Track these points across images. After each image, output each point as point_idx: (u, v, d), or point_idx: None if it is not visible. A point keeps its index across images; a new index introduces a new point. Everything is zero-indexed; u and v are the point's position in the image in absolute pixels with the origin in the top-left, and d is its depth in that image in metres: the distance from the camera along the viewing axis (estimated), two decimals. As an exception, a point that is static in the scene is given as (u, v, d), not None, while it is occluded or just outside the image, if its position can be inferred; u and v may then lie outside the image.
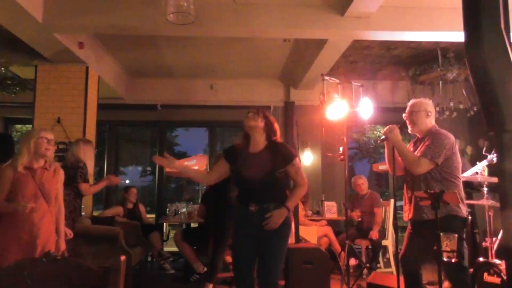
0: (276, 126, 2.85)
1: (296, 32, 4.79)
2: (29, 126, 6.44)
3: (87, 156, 3.95)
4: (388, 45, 5.76)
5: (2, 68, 5.71)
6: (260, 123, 2.77)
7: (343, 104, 4.36)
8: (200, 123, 8.76)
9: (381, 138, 3.03)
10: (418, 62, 6.23)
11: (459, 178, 2.91)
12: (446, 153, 2.82)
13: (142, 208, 6.19)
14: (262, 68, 6.75)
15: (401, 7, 4.48)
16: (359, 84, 4.66)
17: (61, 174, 3.05)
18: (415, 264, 2.93)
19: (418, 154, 2.87)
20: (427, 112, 2.98)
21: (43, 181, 2.87)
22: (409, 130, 3.08)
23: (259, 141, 2.78)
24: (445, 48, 5.73)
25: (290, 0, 4.42)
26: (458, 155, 2.94)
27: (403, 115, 3.09)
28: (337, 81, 4.51)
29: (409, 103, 3.10)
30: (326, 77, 4.47)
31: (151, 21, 4.33)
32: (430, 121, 3.00)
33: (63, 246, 2.99)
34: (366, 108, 4.57)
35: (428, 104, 3.04)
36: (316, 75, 5.88)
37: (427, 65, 6.12)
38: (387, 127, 2.97)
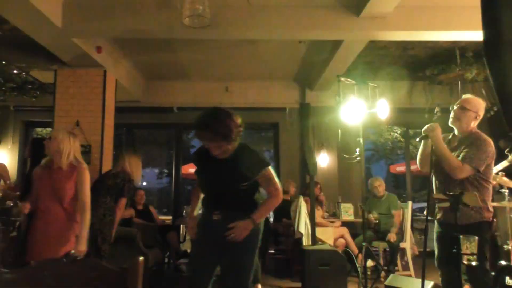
0: (235, 127, 2.37)
1: (311, 34, 4.78)
2: (49, 129, 6.56)
3: (134, 168, 4.12)
4: (405, 45, 5.69)
5: (23, 73, 5.84)
6: (222, 144, 2.38)
7: (359, 105, 4.33)
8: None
9: (421, 136, 2.88)
10: (436, 62, 6.14)
11: (491, 182, 2.84)
12: (488, 160, 2.75)
13: (152, 209, 6.25)
14: (277, 69, 6.75)
15: (418, 6, 4.43)
16: (375, 85, 4.62)
17: (83, 174, 2.98)
18: (452, 266, 2.86)
19: (461, 159, 2.74)
20: (477, 114, 2.85)
21: (55, 180, 2.92)
22: (449, 122, 2.91)
23: (226, 150, 2.41)
24: (463, 48, 5.64)
25: (305, 2, 4.41)
26: (493, 161, 2.87)
27: (454, 106, 2.90)
28: (353, 82, 4.49)
29: (463, 97, 2.92)
30: (342, 78, 4.44)
31: (167, 25, 4.38)
32: (475, 124, 2.87)
33: (82, 248, 2.87)
34: (382, 109, 4.53)
35: (482, 106, 2.88)
36: (331, 76, 5.86)
37: (445, 65, 6.03)
38: (428, 125, 2.82)
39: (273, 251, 6.03)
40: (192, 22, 3.18)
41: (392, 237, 5.14)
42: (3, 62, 5.39)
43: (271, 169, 2.51)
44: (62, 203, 2.91)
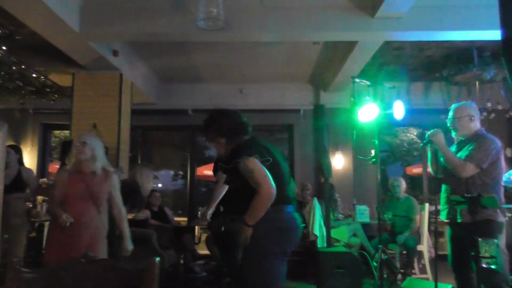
0: (234, 125, 2.36)
1: (326, 35, 4.77)
2: (67, 132, 6.68)
3: (145, 180, 4.29)
4: (421, 46, 5.63)
5: (42, 77, 5.96)
6: (220, 143, 2.38)
7: (374, 107, 4.29)
8: (230, 127, 8.81)
9: (425, 141, 3.00)
10: (452, 62, 6.05)
11: (500, 183, 2.83)
12: (492, 158, 2.77)
13: (168, 211, 6.29)
14: (292, 71, 6.74)
15: (434, 6, 4.38)
16: (391, 86, 4.58)
17: (113, 179, 3.09)
18: (464, 267, 2.85)
19: (464, 158, 2.82)
20: (470, 116, 2.93)
21: (90, 184, 2.96)
22: (453, 135, 3.04)
23: (229, 148, 2.35)
24: (481, 47, 5.55)
25: (318, 3, 4.40)
26: (502, 160, 2.86)
27: (447, 121, 3.04)
28: (368, 83, 4.45)
29: (452, 108, 3.04)
30: (357, 80, 4.41)
31: (182, 28, 4.42)
32: (475, 125, 2.94)
33: (129, 246, 3.12)
34: (398, 110, 4.48)
35: (471, 107, 2.98)
36: (346, 77, 5.82)
37: (463, 65, 5.94)
38: (432, 130, 2.95)
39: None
40: (207, 25, 3.21)
41: (401, 239, 5.10)
42: (23, 66, 5.51)
43: (252, 160, 2.10)
44: (98, 207, 2.98)
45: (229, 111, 2.45)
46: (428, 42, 5.35)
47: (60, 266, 1.27)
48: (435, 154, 2.98)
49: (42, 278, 1.24)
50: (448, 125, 3.03)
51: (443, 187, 3.04)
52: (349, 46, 5.17)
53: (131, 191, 4.02)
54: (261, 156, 2.14)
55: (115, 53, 5.26)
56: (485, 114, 5.78)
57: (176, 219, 6.92)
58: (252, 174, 2.11)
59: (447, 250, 3.00)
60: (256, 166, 2.11)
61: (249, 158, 2.10)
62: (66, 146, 4.49)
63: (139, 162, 6.71)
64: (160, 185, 13.64)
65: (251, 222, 2.11)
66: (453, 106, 3.05)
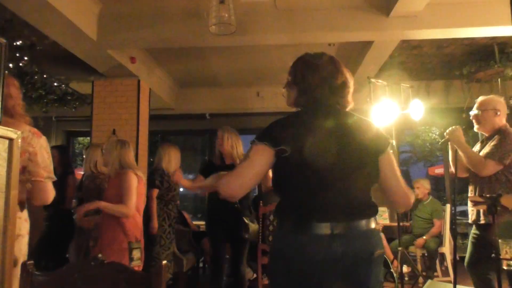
0: None
1: (340, 36, 4.73)
2: (88, 139, 6.84)
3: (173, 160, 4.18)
4: (440, 43, 5.52)
5: (63, 85, 6.12)
6: None
7: (391, 107, 4.24)
8: (248, 131, 8.80)
9: (443, 140, 2.92)
10: (473, 59, 5.91)
11: None
12: None
13: (186, 214, 6.33)
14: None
15: (450, 3, 4.29)
16: (408, 86, 4.51)
17: (125, 178, 3.00)
18: (481, 269, 2.78)
19: (484, 155, 2.74)
20: (496, 110, 2.83)
21: (102, 188, 3.07)
22: (475, 128, 2.93)
23: None
24: (503, 43, 5.41)
25: (332, 4, 4.38)
26: None
27: (470, 112, 2.93)
28: (385, 83, 4.40)
29: (477, 100, 2.94)
30: (373, 80, 4.36)
31: (196, 33, 4.47)
32: (500, 120, 2.84)
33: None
34: (416, 110, 4.41)
35: (498, 102, 2.88)
36: (362, 78, 5.75)
37: (484, 62, 5.79)
38: (450, 128, 2.87)
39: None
40: (219, 30, 3.24)
41: (420, 242, 5.00)
42: (44, 75, 5.67)
43: (254, 148, 1.56)
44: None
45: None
46: (447, 39, 5.24)
47: (71, 269, 1.30)
48: (455, 153, 2.88)
49: (54, 280, 1.28)
50: (471, 117, 2.92)
51: (469, 187, 2.95)
52: (365, 46, 5.12)
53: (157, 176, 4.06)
54: (274, 144, 1.49)
55: (132, 60, 5.36)
56: (508, 112, 5.62)
57: (195, 222, 6.97)
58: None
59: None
60: (250, 156, 1.53)
61: (257, 143, 1.53)
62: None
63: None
64: (181, 189, 13.78)
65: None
66: (479, 98, 2.94)
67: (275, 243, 1.54)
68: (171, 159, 4.15)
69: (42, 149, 1.92)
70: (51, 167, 1.97)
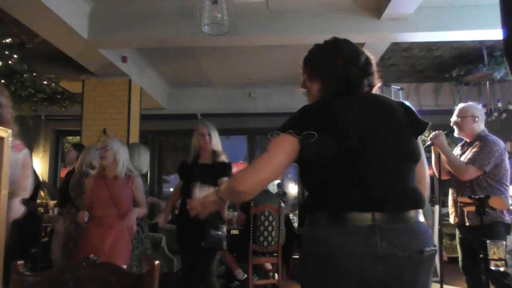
0: None
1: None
2: (78, 138, 6.78)
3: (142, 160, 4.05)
4: (429, 46, 5.58)
5: (53, 84, 6.06)
6: None
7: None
8: (240, 131, 8.85)
9: (427, 144, 2.97)
10: (462, 62, 5.99)
11: (506, 185, 2.81)
12: (495, 160, 2.75)
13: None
14: (300, 74, 6.72)
15: (440, 6, 4.35)
16: (398, 88, 4.56)
17: (136, 183, 3.20)
18: (474, 270, 2.83)
19: (466, 161, 2.82)
20: (474, 117, 2.92)
21: (112, 189, 3.08)
22: (456, 134, 3.01)
23: None
24: (491, 46, 5.49)
25: (324, 6, 4.40)
26: (507, 161, 2.84)
27: (451, 119, 3.01)
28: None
29: (456, 108, 3.04)
30: (363, 81, 4.39)
31: (189, 33, 4.46)
32: (478, 126, 2.93)
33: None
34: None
35: (476, 108, 2.97)
36: (354, 79, 5.80)
37: (472, 65, 5.88)
38: (433, 133, 2.94)
39: (297, 256, 6.00)
40: (211, 30, 3.24)
41: None
42: (34, 74, 5.62)
43: (276, 139, 1.40)
44: (119, 211, 3.08)
45: None
46: (437, 42, 5.31)
47: (63, 270, 1.29)
48: (438, 156, 2.96)
49: (45, 281, 1.27)
50: (451, 124, 3.01)
51: (450, 189, 3.02)
52: (356, 48, 5.14)
53: None
54: (300, 130, 1.32)
55: (124, 59, 5.33)
56: (496, 114, 5.71)
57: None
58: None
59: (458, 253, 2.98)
60: (269, 149, 1.38)
61: (279, 134, 1.36)
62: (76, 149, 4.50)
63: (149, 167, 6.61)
64: (171, 189, 13.73)
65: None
66: (459, 106, 3.04)
67: (307, 243, 1.32)
68: (141, 159, 4.07)
69: (16, 164, 1.89)
70: (24, 183, 1.91)
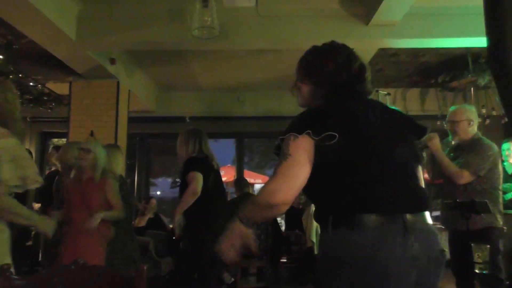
0: None
1: (320, 42, 4.78)
2: (64, 140, 6.70)
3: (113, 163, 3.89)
4: (416, 52, 5.66)
5: (39, 85, 5.98)
6: None
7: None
8: (228, 135, 8.85)
9: (420, 146, 2.96)
10: (448, 68, 6.09)
11: (499, 189, 2.83)
12: (489, 165, 2.76)
13: (164, 218, 6.28)
14: (289, 78, 6.67)
15: (428, 14, 4.42)
16: (386, 93, 4.61)
17: (108, 185, 3.13)
18: (465, 273, 2.84)
19: (460, 165, 2.81)
20: (469, 121, 2.89)
21: (85, 193, 3.04)
22: (450, 138, 3.00)
23: None
24: (476, 54, 5.59)
25: (313, 11, 4.44)
26: (500, 166, 2.86)
27: (443, 123, 3.00)
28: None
29: (450, 111, 2.99)
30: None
31: (178, 36, 4.45)
32: (473, 129, 2.91)
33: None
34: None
35: (471, 111, 2.94)
36: (342, 84, 5.85)
37: (458, 71, 5.98)
38: (427, 135, 2.91)
39: (285, 260, 6.01)
40: (202, 34, 3.24)
41: None
42: (20, 75, 5.54)
43: (294, 141, 1.31)
44: (91, 213, 3.02)
45: None
46: (423, 48, 5.39)
47: (51, 273, 1.28)
48: (431, 159, 2.95)
49: (32, 285, 1.25)
50: (445, 127, 2.99)
51: (442, 193, 3.01)
52: (345, 53, 5.19)
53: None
54: (318, 132, 1.27)
55: (112, 61, 5.29)
56: (480, 120, 5.80)
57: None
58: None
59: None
60: (291, 153, 1.29)
61: (297, 136, 1.30)
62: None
63: (137, 170, 6.68)
64: (159, 192, 13.64)
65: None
66: (451, 108, 3.01)
67: (330, 250, 1.25)
68: (119, 162, 4.01)
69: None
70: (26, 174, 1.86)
